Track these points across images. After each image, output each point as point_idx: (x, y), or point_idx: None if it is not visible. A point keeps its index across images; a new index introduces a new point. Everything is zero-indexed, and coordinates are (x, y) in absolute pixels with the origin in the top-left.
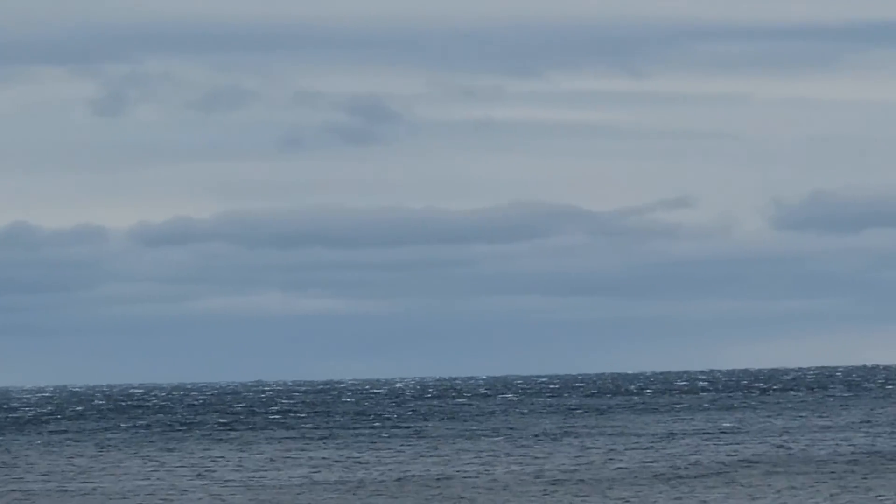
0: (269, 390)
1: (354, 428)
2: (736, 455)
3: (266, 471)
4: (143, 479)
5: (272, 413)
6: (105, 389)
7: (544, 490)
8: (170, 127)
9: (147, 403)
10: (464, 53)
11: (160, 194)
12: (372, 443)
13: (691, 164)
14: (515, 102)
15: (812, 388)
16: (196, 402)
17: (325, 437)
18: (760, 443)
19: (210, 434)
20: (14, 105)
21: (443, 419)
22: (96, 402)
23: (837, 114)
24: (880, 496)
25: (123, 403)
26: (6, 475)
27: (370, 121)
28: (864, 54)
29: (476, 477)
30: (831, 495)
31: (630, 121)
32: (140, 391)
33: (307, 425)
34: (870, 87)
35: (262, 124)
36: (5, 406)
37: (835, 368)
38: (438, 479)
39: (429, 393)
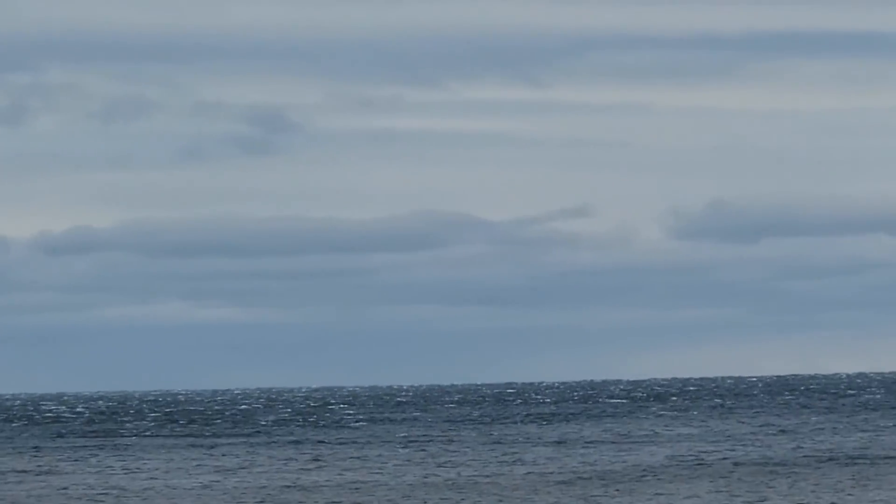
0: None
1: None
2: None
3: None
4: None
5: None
6: (8, 398)
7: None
8: (71, 136)
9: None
10: (363, 63)
11: (61, 203)
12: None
13: (591, 174)
14: (415, 112)
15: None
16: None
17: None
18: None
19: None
20: None
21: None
22: None
23: (737, 123)
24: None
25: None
26: None
27: (270, 131)
28: (765, 64)
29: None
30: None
31: (530, 130)
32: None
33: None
34: (770, 97)
35: (163, 134)
36: None
37: (747, 378)
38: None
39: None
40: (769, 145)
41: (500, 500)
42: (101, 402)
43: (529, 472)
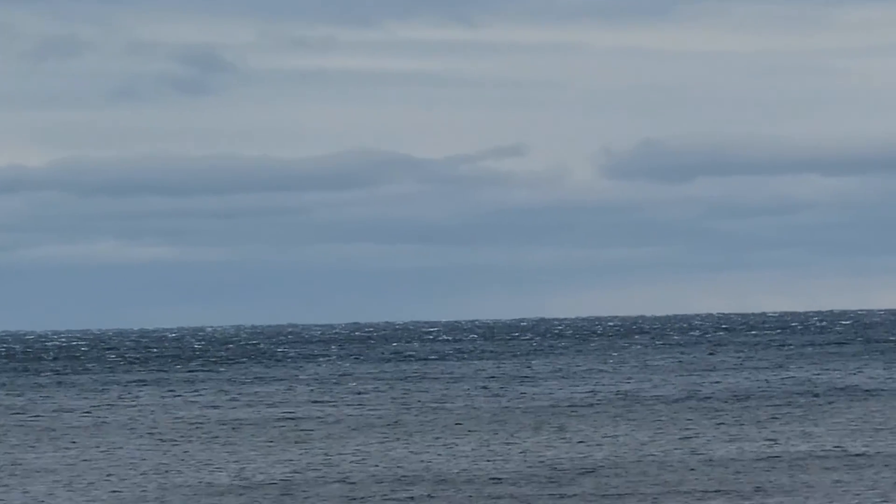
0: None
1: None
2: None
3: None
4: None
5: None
6: None
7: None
8: (4, 75)
9: None
10: (296, 2)
11: None
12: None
13: (524, 113)
14: (348, 51)
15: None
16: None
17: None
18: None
19: None
20: None
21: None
22: None
23: (669, 64)
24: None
25: None
26: None
27: (204, 70)
28: (697, 4)
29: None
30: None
31: (463, 70)
32: None
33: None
34: (701, 38)
35: (96, 74)
36: None
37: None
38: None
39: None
40: (701, 86)
41: (436, 435)
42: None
43: (454, 409)
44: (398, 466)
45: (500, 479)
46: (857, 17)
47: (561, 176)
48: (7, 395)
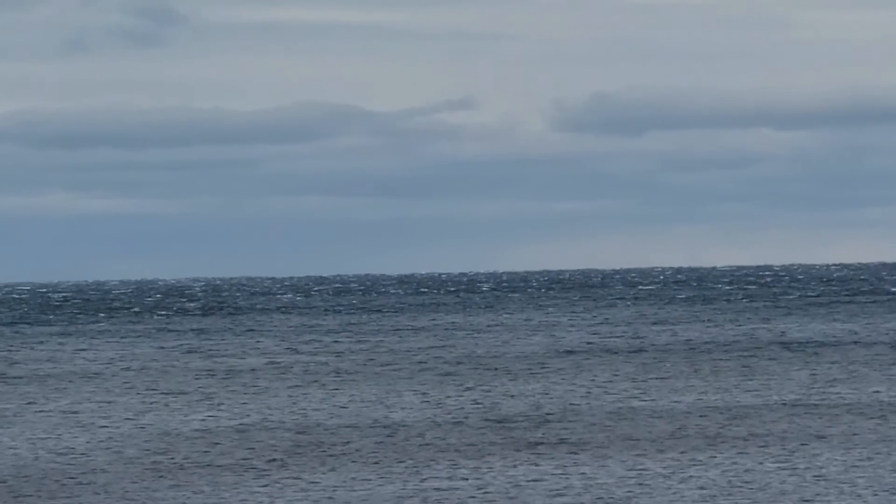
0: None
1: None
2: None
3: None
4: None
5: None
6: None
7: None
8: None
9: None
10: None
11: None
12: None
13: (475, 66)
14: (301, 4)
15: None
16: None
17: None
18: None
19: None
20: None
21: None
22: None
23: (621, 16)
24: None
25: None
26: None
27: (157, 23)
28: None
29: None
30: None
31: (414, 22)
32: None
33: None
34: None
35: (48, 25)
36: None
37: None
38: None
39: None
40: (654, 38)
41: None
42: None
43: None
44: (356, 414)
45: (440, 424)
46: None
47: (512, 129)
48: None
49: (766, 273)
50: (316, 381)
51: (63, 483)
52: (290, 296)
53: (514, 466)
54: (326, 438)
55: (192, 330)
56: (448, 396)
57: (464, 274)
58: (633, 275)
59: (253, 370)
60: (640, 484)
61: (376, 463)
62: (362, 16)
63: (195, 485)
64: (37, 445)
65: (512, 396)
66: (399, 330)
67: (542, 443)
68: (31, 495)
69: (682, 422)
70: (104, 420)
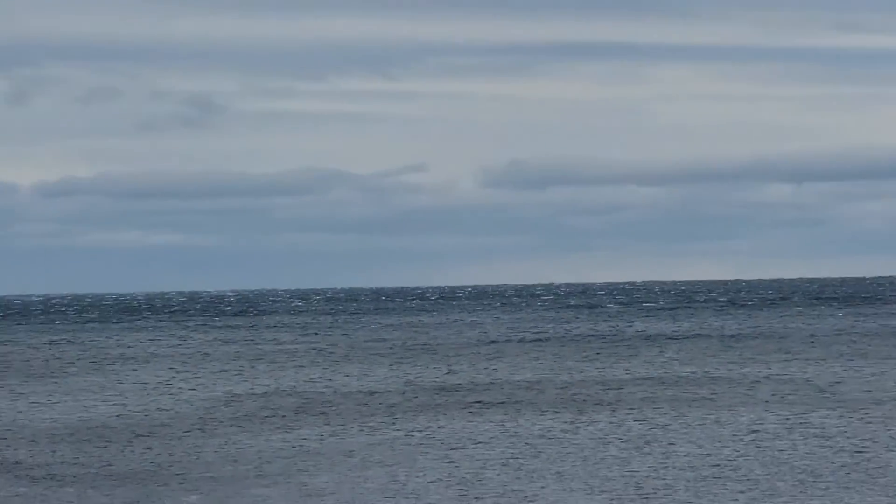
0: None
1: None
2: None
3: None
4: None
5: None
6: None
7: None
8: (62, 114)
9: None
10: (266, 62)
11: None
12: None
13: (427, 142)
14: (304, 98)
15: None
16: None
17: None
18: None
19: None
20: None
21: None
22: None
23: (532, 106)
24: None
25: None
26: None
27: (202, 111)
28: (555, 64)
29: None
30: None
31: (385, 110)
32: None
33: None
34: (557, 88)
35: (127, 113)
36: None
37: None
38: None
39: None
40: (554, 122)
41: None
42: None
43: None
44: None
45: (403, 391)
46: (669, 73)
47: (452, 186)
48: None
49: (631, 286)
50: (314, 362)
51: (160, 426)
52: (295, 302)
53: (455, 420)
54: (322, 401)
55: (228, 326)
56: (407, 372)
57: (418, 287)
58: (538, 289)
59: (271, 354)
60: (543, 436)
61: (356, 419)
62: (348, 106)
63: (231, 434)
64: (139, 401)
65: (453, 372)
66: (372, 326)
67: (477, 402)
68: (144, 435)
69: (571, 390)
70: (173, 386)
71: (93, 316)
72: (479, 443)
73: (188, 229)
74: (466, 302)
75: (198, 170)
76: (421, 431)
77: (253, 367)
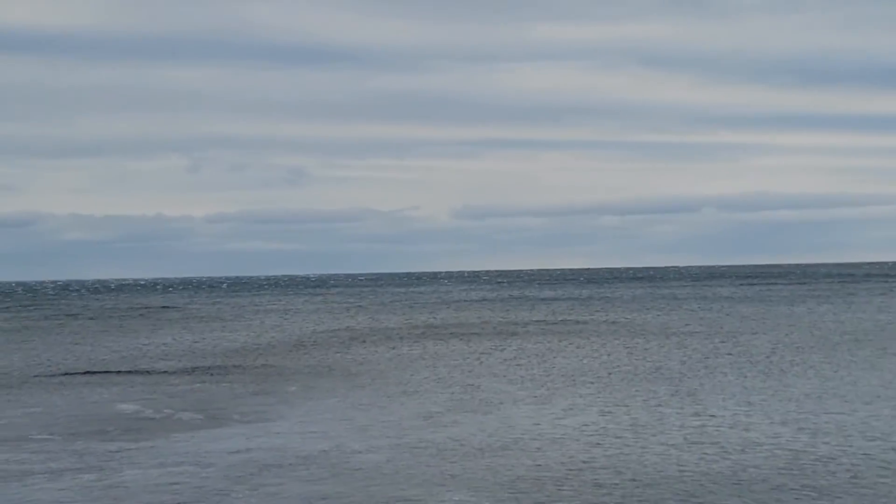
0: None
1: None
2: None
3: None
4: None
5: None
6: None
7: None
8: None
9: None
10: (328, 149)
11: None
12: None
13: (421, 192)
14: (350, 170)
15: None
16: None
17: None
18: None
19: None
20: None
21: None
22: None
23: (476, 175)
24: None
25: None
26: None
27: (294, 175)
28: (489, 152)
29: None
30: None
31: (395, 176)
32: None
33: None
34: (488, 165)
35: (246, 172)
36: None
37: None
38: None
39: None
40: (487, 183)
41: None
42: None
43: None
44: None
45: (375, 331)
46: (552, 156)
47: (435, 218)
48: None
49: (531, 272)
50: (359, 313)
51: (273, 346)
52: (347, 281)
53: (436, 343)
54: (365, 333)
55: (310, 294)
56: (408, 318)
57: (416, 272)
58: (483, 275)
59: (338, 309)
60: (483, 352)
61: (384, 342)
62: (376, 174)
63: (319, 352)
64: (261, 334)
65: (434, 317)
66: (388, 294)
67: (448, 333)
68: (264, 352)
69: (498, 327)
70: (281, 326)
71: (237, 290)
72: (448, 355)
73: (288, 241)
74: (444, 281)
75: (293, 208)
76: (416, 350)
77: (326, 315)
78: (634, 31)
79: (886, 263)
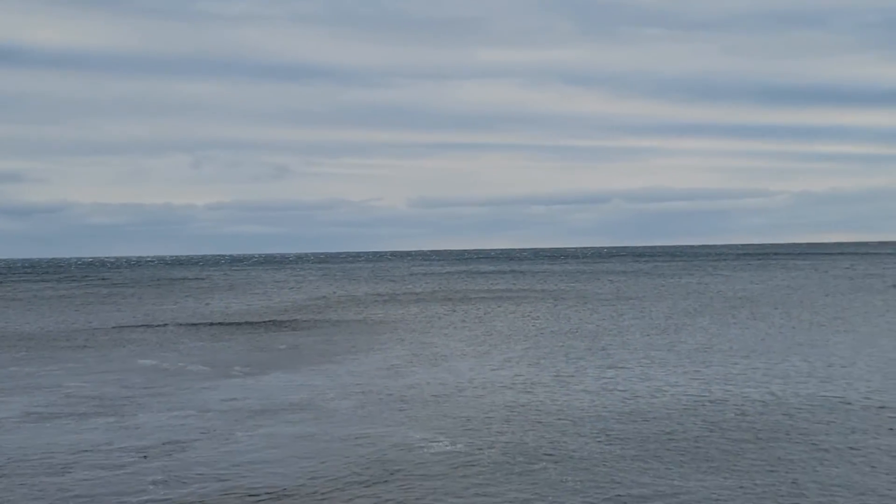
0: None
1: None
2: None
3: None
4: None
5: None
6: None
7: None
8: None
9: None
10: (309, 149)
11: None
12: None
13: (384, 186)
14: (331, 167)
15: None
16: None
17: None
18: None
19: None
20: None
21: None
22: None
23: (429, 171)
24: None
25: None
26: None
27: (279, 171)
28: (445, 152)
29: None
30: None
31: (365, 173)
32: None
33: None
34: (437, 164)
35: (254, 166)
36: None
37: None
38: None
39: None
40: (436, 178)
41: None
42: None
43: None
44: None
45: (357, 298)
46: (495, 156)
47: (395, 207)
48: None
49: (477, 252)
50: (345, 282)
51: (286, 310)
52: (327, 258)
53: (399, 307)
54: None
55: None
56: (376, 287)
57: (385, 251)
58: (432, 255)
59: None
60: (438, 315)
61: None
62: (349, 171)
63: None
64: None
65: (397, 287)
66: (363, 267)
67: (406, 298)
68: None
69: (450, 294)
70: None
71: (235, 266)
72: (407, 318)
73: (273, 225)
74: (402, 258)
75: (278, 198)
76: (380, 313)
77: (307, 285)
78: (558, 56)
79: (757, 244)
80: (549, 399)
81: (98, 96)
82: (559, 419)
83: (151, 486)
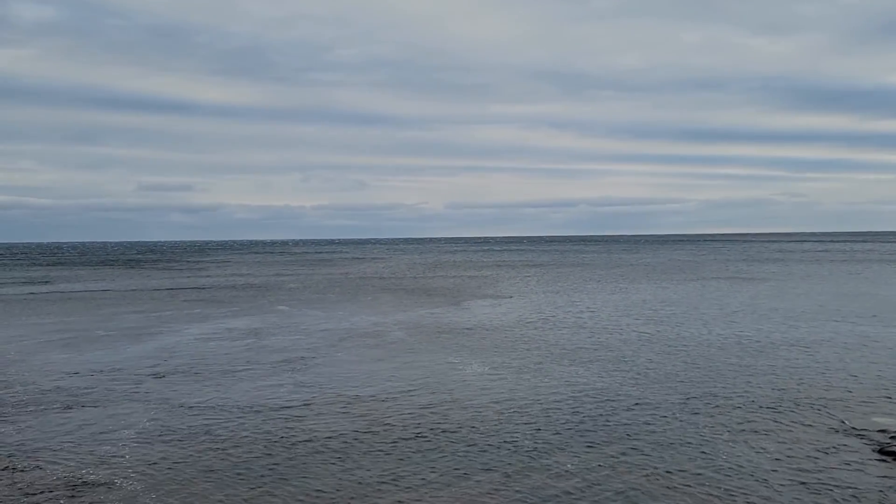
0: None
1: None
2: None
3: None
4: None
5: None
6: None
7: None
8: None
9: None
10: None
11: None
12: None
13: (429, 190)
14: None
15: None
16: None
17: None
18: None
19: None
20: None
21: None
22: None
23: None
24: None
25: None
26: None
27: (359, 185)
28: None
29: None
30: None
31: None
32: None
33: None
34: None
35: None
36: None
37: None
38: None
39: None
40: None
41: None
42: None
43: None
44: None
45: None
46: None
47: (431, 207)
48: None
49: (490, 237)
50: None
51: (282, 282)
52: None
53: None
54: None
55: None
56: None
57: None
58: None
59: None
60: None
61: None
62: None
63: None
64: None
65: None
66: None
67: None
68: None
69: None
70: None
71: (336, 246)
72: (444, 278)
73: (356, 220)
74: (440, 243)
75: (359, 202)
76: (429, 277)
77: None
78: (545, 109)
79: (675, 235)
80: (558, 318)
81: (242, 135)
82: (557, 345)
83: (284, 391)
